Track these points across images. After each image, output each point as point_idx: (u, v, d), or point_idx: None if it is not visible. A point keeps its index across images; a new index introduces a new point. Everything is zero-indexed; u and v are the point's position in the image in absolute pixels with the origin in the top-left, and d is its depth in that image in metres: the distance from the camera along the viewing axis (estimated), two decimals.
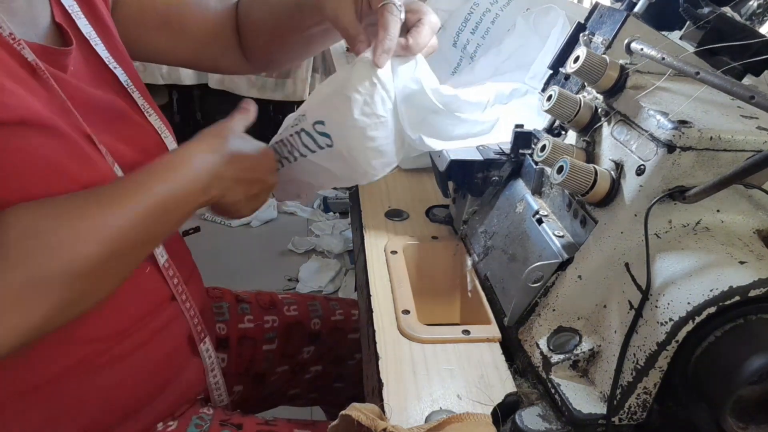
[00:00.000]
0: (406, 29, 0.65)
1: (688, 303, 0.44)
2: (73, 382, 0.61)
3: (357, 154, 0.65)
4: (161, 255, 0.67)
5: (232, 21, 0.85)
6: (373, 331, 0.59)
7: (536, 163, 0.63)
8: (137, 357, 0.66)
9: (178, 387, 0.71)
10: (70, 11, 0.64)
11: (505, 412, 0.50)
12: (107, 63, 0.67)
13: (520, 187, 0.67)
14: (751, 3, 0.69)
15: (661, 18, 0.68)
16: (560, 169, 0.52)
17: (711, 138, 0.47)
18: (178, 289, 0.69)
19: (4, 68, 0.52)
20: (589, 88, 0.60)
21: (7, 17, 0.55)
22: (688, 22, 0.63)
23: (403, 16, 0.64)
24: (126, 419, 0.67)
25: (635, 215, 0.49)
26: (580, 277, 0.52)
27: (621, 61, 0.56)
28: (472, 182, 0.70)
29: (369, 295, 0.64)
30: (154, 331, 0.67)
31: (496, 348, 0.58)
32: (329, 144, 0.66)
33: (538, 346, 0.54)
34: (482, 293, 0.65)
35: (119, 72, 0.67)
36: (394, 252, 0.71)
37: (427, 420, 0.49)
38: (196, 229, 0.86)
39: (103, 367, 0.63)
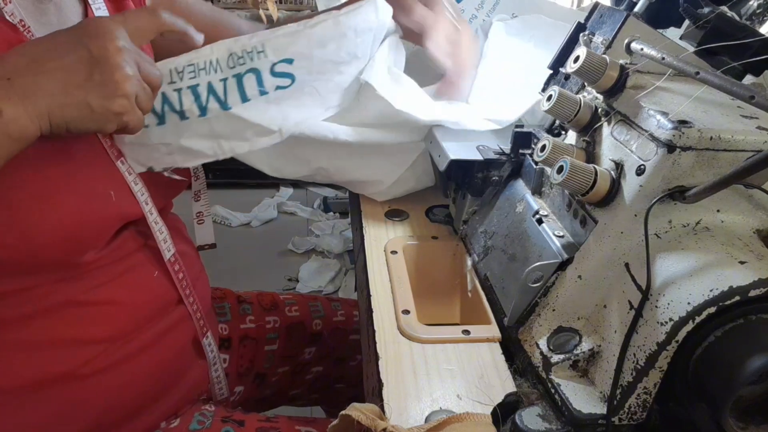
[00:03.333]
0: None
1: (688, 303, 0.44)
2: (78, 382, 0.61)
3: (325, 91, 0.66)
4: (168, 250, 0.67)
5: None
6: (373, 331, 0.59)
7: (536, 163, 0.63)
8: (143, 359, 0.66)
9: (182, 388, 0.72)
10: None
11: (505, 412, 0.50)
12: None
13: (520, 187, 0.67)
14: (751, 3, 0.69)
15: (661, 18, 0.68)
16: (560, 169, 0.52)
17: (711, 138, 0.47)
18: (182, 284, 0.69)
19: None
20: (589, 88, 0.60)
21: (35, 16, 0.55)
22: (687, 22, 0.63)
23: None
24: (130, 419, 0.67)
25: (635, 215, 0.49)
26: (580, 277, 0.52)
27: (621, 61, 0.56)
28: (472, 182, 0.70)
29: (369, 295, 0.64)
30: (161, 334, 0.67)
31: (496, 348, 0.58)
32: (284, 85, 0.62)
33: (538, 346, 0.54)
34: (482, 293, 0.65)
35: None
36: (394, 252, 0.71)
37: (427, 420, 0.49)
38: (212, 246, 0.85)
39: (108, 368, 0.63)
